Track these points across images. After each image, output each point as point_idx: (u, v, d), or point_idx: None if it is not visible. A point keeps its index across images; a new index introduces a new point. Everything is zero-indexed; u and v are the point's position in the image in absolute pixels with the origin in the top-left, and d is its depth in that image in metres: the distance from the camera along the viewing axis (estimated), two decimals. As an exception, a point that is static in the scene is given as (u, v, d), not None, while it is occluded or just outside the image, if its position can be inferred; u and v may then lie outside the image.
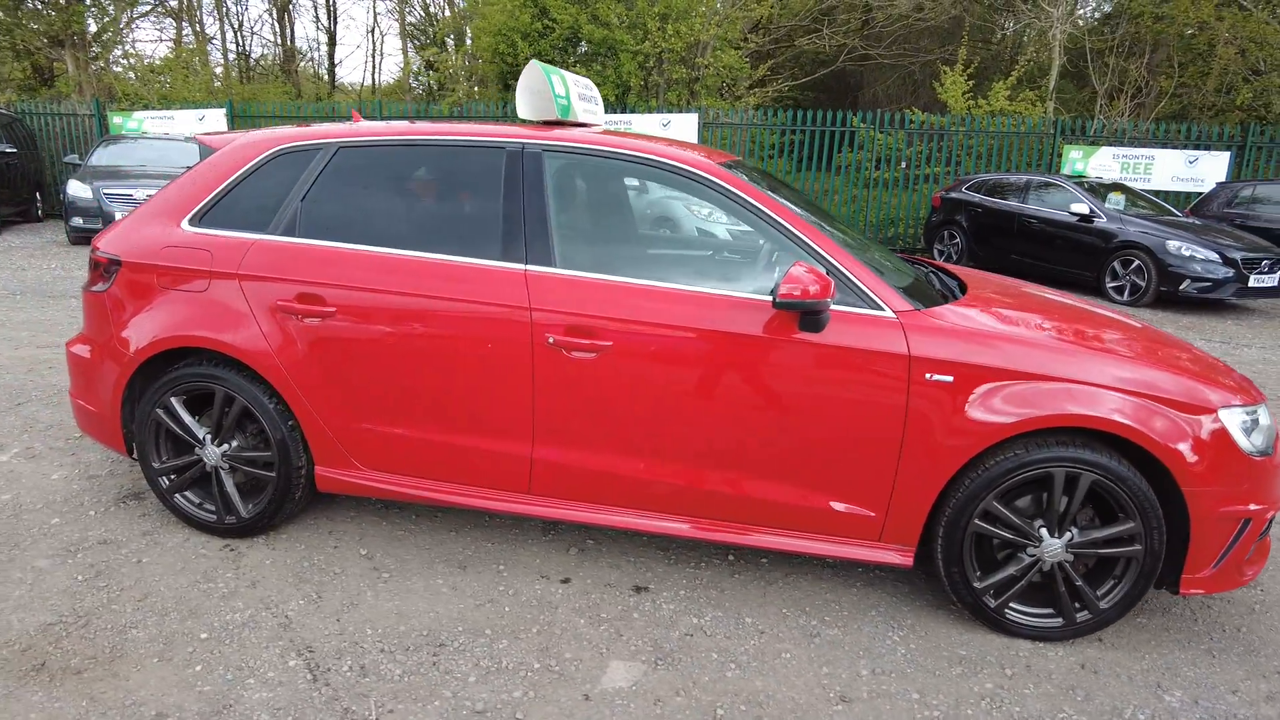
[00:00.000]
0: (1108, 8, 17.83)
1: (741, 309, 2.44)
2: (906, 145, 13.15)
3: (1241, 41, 13.63)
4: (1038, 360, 2.34)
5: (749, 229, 2.59)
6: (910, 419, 2.38)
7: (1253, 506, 2.35)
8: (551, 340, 2.51)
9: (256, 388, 2.75)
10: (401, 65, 25.61)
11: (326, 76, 28.88)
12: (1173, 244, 8.13)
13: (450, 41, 19.40)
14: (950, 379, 2.35)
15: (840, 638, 2.50)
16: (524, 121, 2.92)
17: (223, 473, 2.87)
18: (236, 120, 13.40)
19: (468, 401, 2.62)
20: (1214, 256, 7.92)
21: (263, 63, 27.26)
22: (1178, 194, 11.43)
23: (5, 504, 3.16)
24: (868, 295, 2.42)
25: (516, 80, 12.98)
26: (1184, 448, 2.29)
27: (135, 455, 2.96)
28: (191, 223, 2.83)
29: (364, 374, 2.67)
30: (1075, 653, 2.45)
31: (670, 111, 13.02)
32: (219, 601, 2.56)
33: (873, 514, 2.49)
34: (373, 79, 29.37)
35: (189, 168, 3.20)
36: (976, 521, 2.43)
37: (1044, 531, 2.41)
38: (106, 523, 3.04)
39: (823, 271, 2.31)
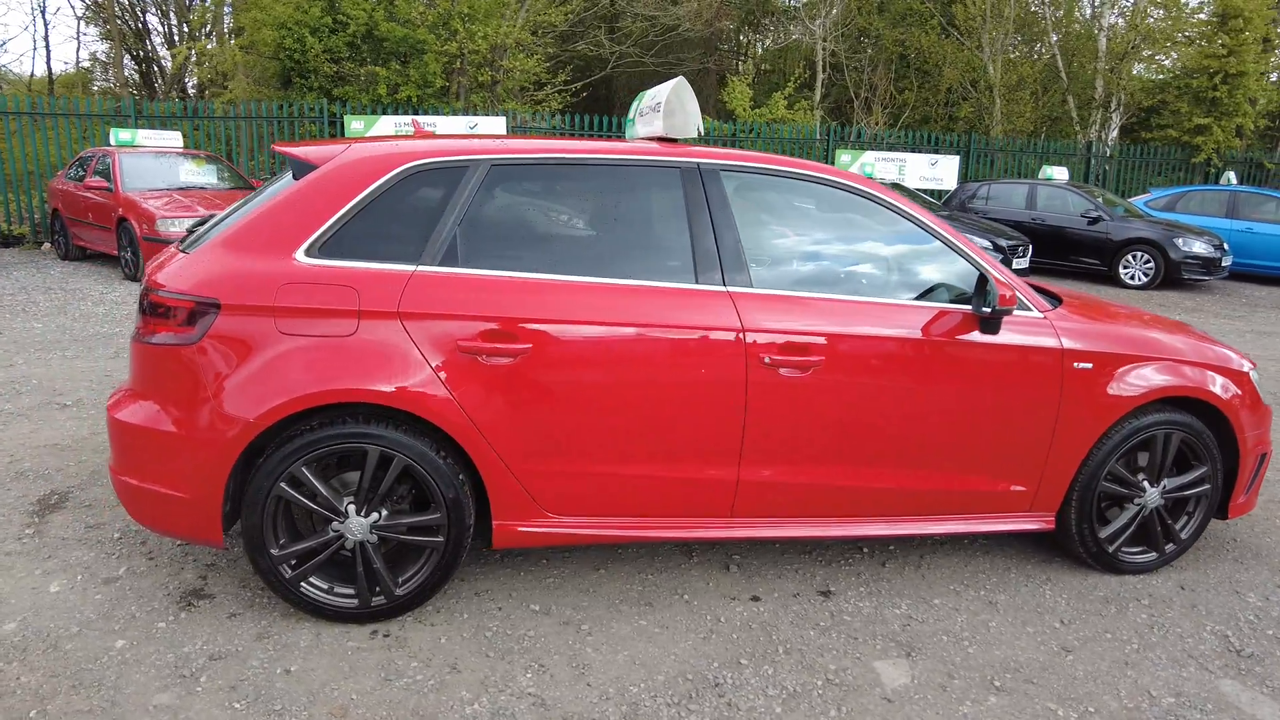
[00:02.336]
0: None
1: (930, 316, 2.65)
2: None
3: (959, 65, 16.67)
4: (1142, 346, 2.88)
5: (903, 243, 2.81)
6: (1063, 402, 2.78)
7: (1268, 444, 3.12)
8: (768, 360, 2.51)
9: (422, 441, 2.37)
10: (107, 54, 21.50)
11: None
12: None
13: (206, 33, 16.76)
14: (1090, 365, 2.79)
15: (1013, 601, 2.84)
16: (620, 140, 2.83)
17: (369, 547, 2.43)
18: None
19: (674, 430, 2.52)
20: (988, 244, 9.70)
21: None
22: (928, 191, 13.72)
23: (28, 639, 2.35)
24: (1021, 300, 2.78)
25: (303, 78, 11.70)
26: (1236, 403, 2.97)
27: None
28: (310, 254, 2.34)
29: (561, 412, 2.44)
30: (1169, 579, 3.05)
31: (475, 114, 12.66)
32: (442, 697, 2.20)
33: (1026, 489, 2.86)
34: (47, 68, 24.19)
35: (264, 186, 2.61)
36: (1104, 483, 2.91)
37: (1146, 484, 2.96)
38: (193, 633, 2.41)
39: (1005, 281, 2.61)
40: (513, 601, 2.68)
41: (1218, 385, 2.95)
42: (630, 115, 3.40)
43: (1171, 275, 10.56)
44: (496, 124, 12.80)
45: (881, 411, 2.64)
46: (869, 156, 13.93)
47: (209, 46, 14.29)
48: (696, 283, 2.53)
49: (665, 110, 2.76)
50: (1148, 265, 10.70)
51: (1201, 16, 17.54)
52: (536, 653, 2.41)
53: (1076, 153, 15.87)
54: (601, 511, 2.57)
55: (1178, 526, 3.05)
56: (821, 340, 2.55)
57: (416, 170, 2.45)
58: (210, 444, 2.28)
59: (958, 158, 13.81)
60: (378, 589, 2.46)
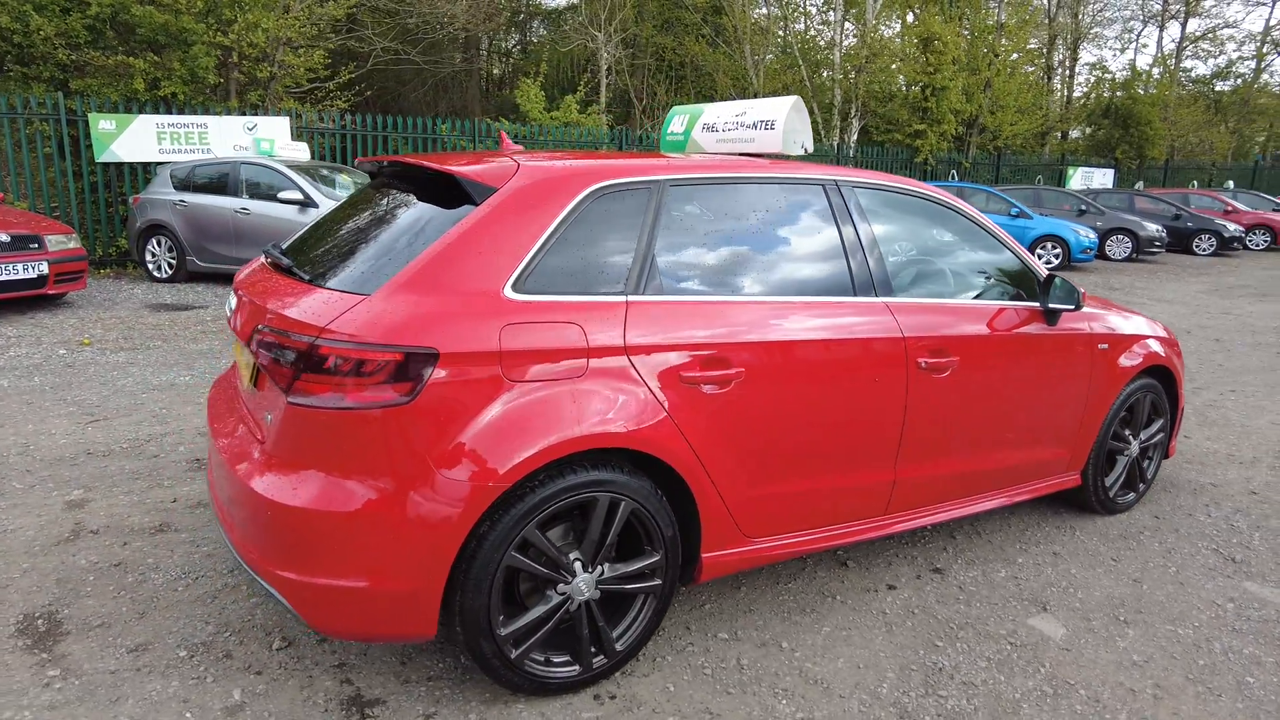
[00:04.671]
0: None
1: (1021, 314, 3.04)
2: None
3: (731, 73, 18.04)
4: (1133, 327, 3.53)
5: (981, 250, 3.16)
6: (1093, 378, 3.33)
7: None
8: (923, 364, 2.71)
9: (645, 482, 2.23)
10: None
11: None
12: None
13: None
14: (1107, 346, 3.37)
15: (1067, 550, 3.34)
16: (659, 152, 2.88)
17: (594, 606, 2.23)
18: None
19: (852, 439, 2.62)
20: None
21: None
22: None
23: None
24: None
25: (24, 65, 9.68)
26: (1179, 365, 3.76)
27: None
28: (519, 290, 2.08)
29: (765, 435, 2.42)
30: (1144, 513, 3.76)
31: (255, 114, 11.22)
32: (730, 741, 2.11)
33: (1067, 453, 3.38)
34: None
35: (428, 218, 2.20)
36: (1111, 441, 3.53)
37: (1130, 438, 3.64)
38: (408, 747, 2.03)
39: (1067, 283, 3.08)
40: (696, 634, 2.60)
41: (1172, 353, 3.71)
42: (677, 129, 3.40)
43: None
44: (279, 125, 11.47)
45: (988, 401, 2.97)
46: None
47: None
48: (855, 295, 2.65)
49: (786, 128, 2.83)
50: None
51: (901, 38, 20.96)
52: (768, 679, 2.39)
53: (827, 153, 18.09)
54: (790, 527, 2.59)
55: (1148, 470, 3.79)
56: (957, 342, 2.81)
57: (599, 193, 2.27)
58: (437, 519, 1.94)
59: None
60: (595, 650, 2.27)
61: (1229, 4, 32.37)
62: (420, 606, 1.99)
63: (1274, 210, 20.22)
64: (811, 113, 20.55)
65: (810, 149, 2.93)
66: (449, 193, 2.23)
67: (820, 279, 2.61)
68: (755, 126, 2.94)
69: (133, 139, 10.48)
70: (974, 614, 2.80)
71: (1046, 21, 25.40)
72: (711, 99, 19.78)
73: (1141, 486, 3.78)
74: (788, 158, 2.93)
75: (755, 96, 18.74)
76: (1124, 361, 3.44)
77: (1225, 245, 17.61)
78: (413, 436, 1.93)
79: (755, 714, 2.23)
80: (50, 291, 7.31)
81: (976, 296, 3.03)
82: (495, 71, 26.25)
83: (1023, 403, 3.10)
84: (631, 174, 2.35)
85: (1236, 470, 4.36)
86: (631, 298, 2.23)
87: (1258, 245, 19.17)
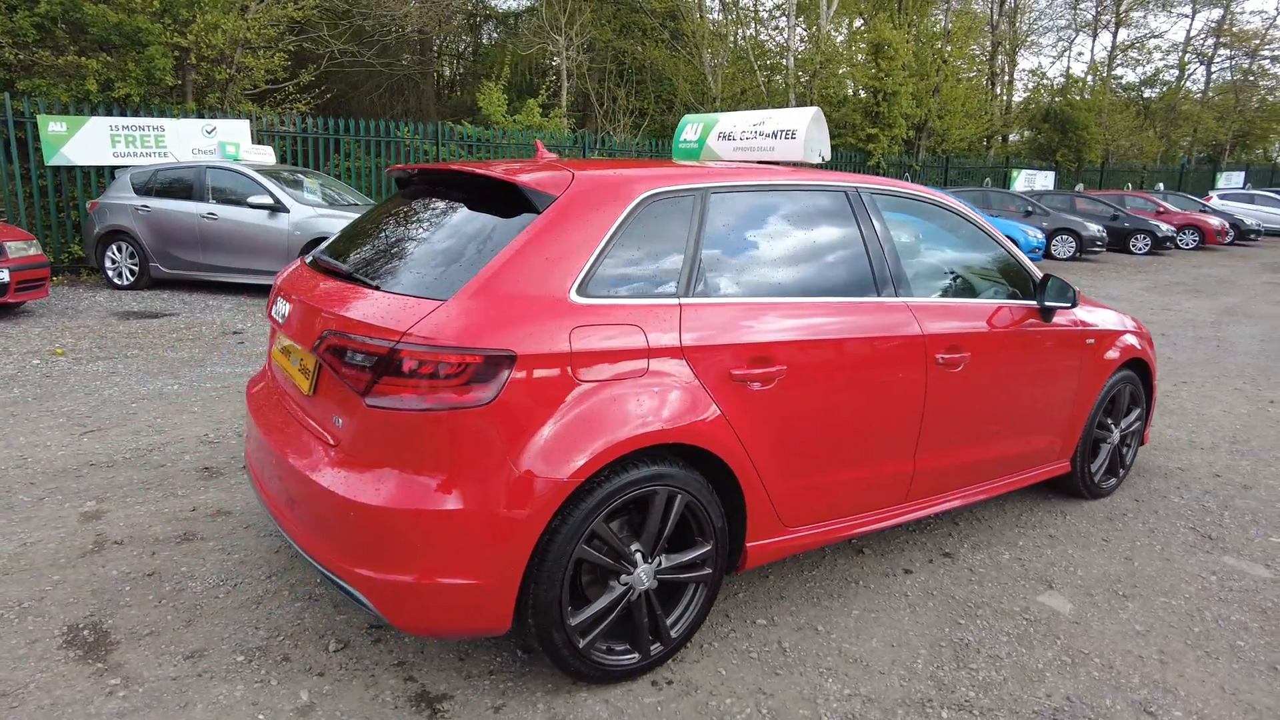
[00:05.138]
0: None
1: (1020, 312, 3.24)
2: (464, 155, 13.86)
3: (690, 79, 18.25)
4: (1113, 323, 3.78)
5: (981, 251, 3.35)
6: (1082, 371, 3.56)
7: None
8: (940, 360, 2.89)
9: (697, 476, 2.34)
10: None
11: None
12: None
13: None
14: (1094, 341, 3.61)
15: (1061, 533, 3.56)
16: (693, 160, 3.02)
17: (652, 595, 2.33)
18: None
19: (878, 431, 2.78)
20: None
21: None
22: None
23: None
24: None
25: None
26: (1152, 356, 4.03)
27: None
28: (582, 293, 2.18)
29: (804, 428, 2.56)
30: (1124, 497, 4.03)
31: (214, 117, 10.97)
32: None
33: (1060, 442, 3.61)
34: None
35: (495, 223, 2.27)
36: (1096, 430, 3.78)
37: (1113, 426, 3.90)
38: (486, 736, 2.10)
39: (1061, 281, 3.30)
40: (735, 621, 2.73)
41: (1146, 345, 3.98)
42: (690, 137, 3.52)
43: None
44: (239, 128, 11.23)
45: (994, 394, 3.17)
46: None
47: None
48: (879, 295, 2.81)
49: (806, 138, 2.98)
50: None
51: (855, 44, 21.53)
52: (811, 660, 2.53)
53: (787, 159, 18.47)
54: (824, 517, 2.73)
55: (1127, 456, 4.06)
56: (968, 338, 2.99)
57: (650, 199, 2.38)
58: (515, 515, 2.02)
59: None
60: (659, 637, 2.37)
61: (1155, 15, 34.05)
62: (498, 601, 2.07)
63: (1201, 211, 21.36)
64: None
65: (828, 157, 3.09)
66: (506, 200, 2.30)
67: (847, 280, 2.76)
68: (775, 135, 3.09)
69: (85, 142, 10.13)
70: (988, 593, 2.99)
71: (989, 30, 26.38)
72: (671, 104, 20.03)
73: (1121, 472, 4.04)
74: (808, 166, 3.08)
75: (714, 101, 19.03)
76: (1108, 355, 3.69)
77: (1159, 244, 18.55)
78: (492, 436, 2.01)
79: (805, 692, 2.36)
80: (10, 300, 7.06)
81: (980, 295, 3.22)
82: (447, 72, 26.04)
83: (1023, 395, 3.30)
84: (678, 181, 2.46)
85: (1199, 455, 4.68)
86: (684, 300, 2.34)
87: (1187, 245, 20.23)
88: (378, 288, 2.20)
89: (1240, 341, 8.41)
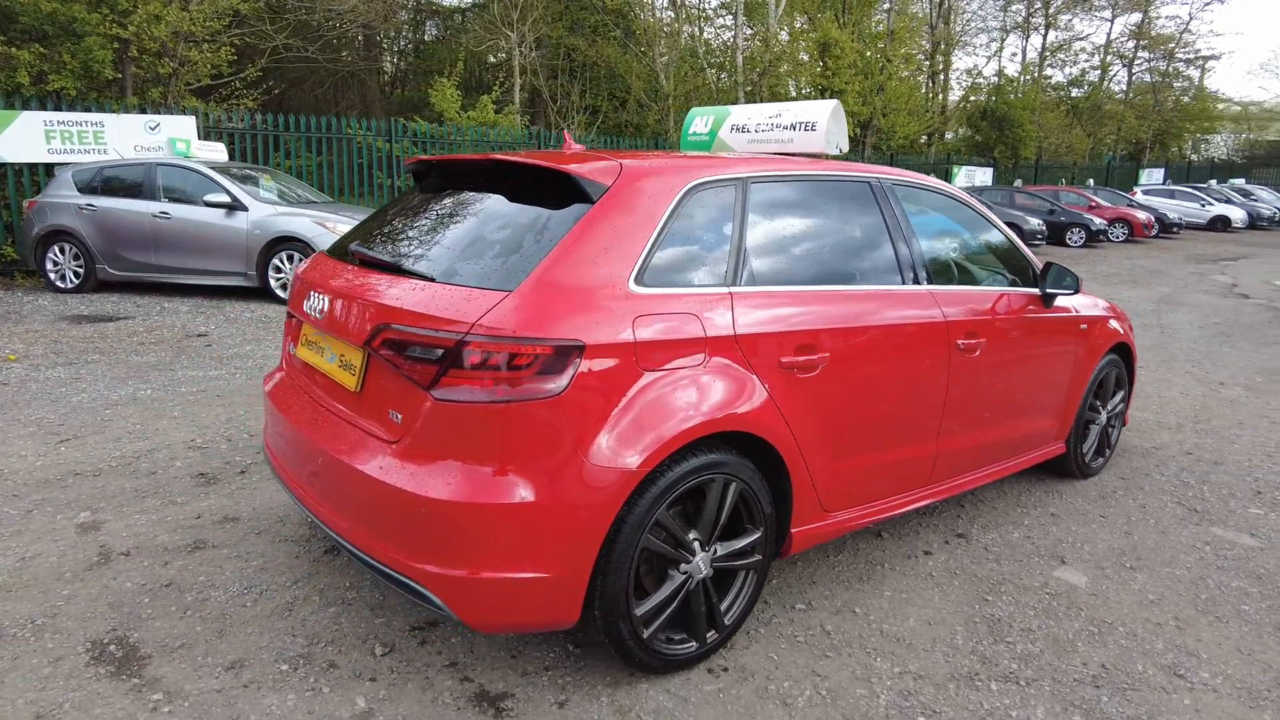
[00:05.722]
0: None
1: (1024, 298, 3.36)
2: (417, 152, 13.60)
3: (642, 77, 18.24)
4: (1101, 310, 3.95)
5: (987, 239, 3.46)
6: (1077, 355, 3.72)
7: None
8: (960, 345, 2.97)
9: (749, 463, 2.36)
10: None
11: None
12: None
13: None
14: (1086, 326, 3.77)
15: (1062, 511, 3.71)
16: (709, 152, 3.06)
17: (708, 584, 2.34)
18: None
19: (908, 414, 2.85)
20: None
21: None
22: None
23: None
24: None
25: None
26: (1133, 340, 4.23)
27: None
28: (639, 283, 2.17)
29: (843, 414, 2.61)
30: (1110, 476, 4.22)
31: (157, 112, 10.51)
32: (849, 700, 2.27)
33: (1057, 424, 3.75)
34: None
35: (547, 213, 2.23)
36: (1088, 411, 3.94)
37: (1101, 408, 4.08)
38: (557, 732, 2.08)
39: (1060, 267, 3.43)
40: (775, 607, 2.76)
41: (1128, 329, 4.17)
42: (700, 129, 3.54)
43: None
44: (184, 124, 10.79)
45: (1004, 378, 3.28)
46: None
47: None
48: (903, 284, 2.87)
49: (828, 130, 3.03)
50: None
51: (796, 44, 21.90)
52: (856, 641, 2.58)
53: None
54: (859, 500, 2.79)
55: (1112, 437, 4.25)
56: (983, 323, 3.09)
57: (699, 188, 2.39)
58: (587, 506, 2.01)
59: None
60: (714, 624, 2.38)
61: (1080, 18, 35.66)
62: (568, 593, 2.05)
63: (1129, 205, 22.44)
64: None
65: (845, 149, 3.15)
66: (554, 190, 2.27)
67: (876, 268, 2.82)
68: (794, 128, 3.13)
69: (17, 137, 9.57)
70: (1007, 571, 3.09)
71: (930, 30, 27.18)
72: (624, 102, 20.02)
73: (1108, 452, 4.23)
74: (826, 157, 3.13)
75: (667, 99, 19.10)
76: (1099, 340, 3.86)
77: (1093, 237, 19.41)
78: (562, 427, 1.99)
79: (858, 673, 2.41)
80: (-50, 305, 6.63)
81: (988, 282, 3.33)
82: (389, 68, 25.48)
83: (1028, 379, 3.43)
84: (720, 170, 2.48)
85: (1168, 435, 4.93)
86: (733, 289, 2.36)
87: (1118, 237, 21.21)
88: (433, 279, 2.15)
89: (1181, 328, 8.87)
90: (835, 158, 3.17)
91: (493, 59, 20.17)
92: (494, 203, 2.41)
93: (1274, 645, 2.65)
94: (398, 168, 13.07)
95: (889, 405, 2.76)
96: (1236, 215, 25.52)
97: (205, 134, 10.97)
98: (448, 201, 2.56)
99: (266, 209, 8.31)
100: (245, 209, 8.23)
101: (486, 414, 1.96)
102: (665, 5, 22.42)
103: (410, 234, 2.49)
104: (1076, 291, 3.47)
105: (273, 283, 8.26)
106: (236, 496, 3.50)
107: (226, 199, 8.23)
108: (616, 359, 2.06)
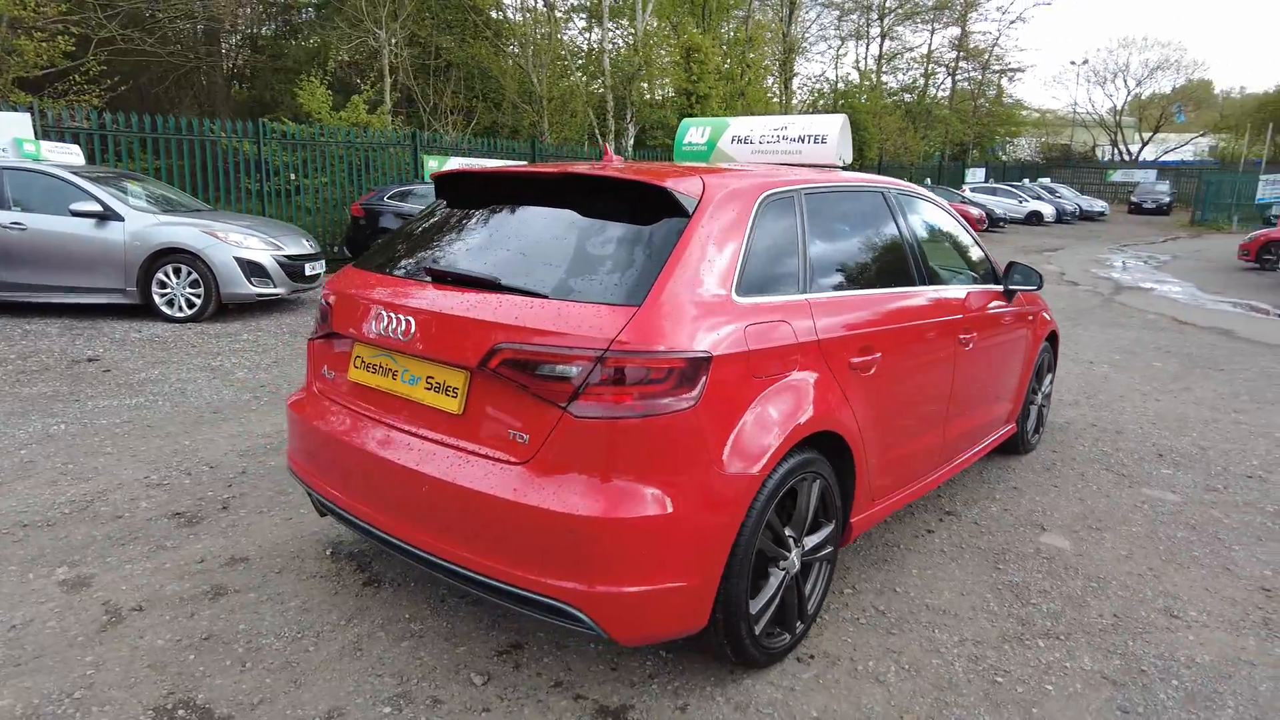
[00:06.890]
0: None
1: (993, 294, 3.74)
2: (287, 155, 12.74)
3: (516, 79, 17.97)
4: (1040, 303, 4.45)
5: (965, 243, 3.81)
6: (1027, 342, 4.17)
7: (1055, 353, 5.08)
8: (962, 340, 3.28)
9: (827, 460, 2.52)
10: None
11: None
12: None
13: None
14: (1033, 317, 4.24)
15: (1024, 484, 4.16)
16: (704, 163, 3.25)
17: (798, 577, 2.47)
18: None
19: (929, 405, 3.12)
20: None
21: None
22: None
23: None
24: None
25: None
26: (1057, 326, 4.79)
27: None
28: (739, 293, 2.26)
29: (889, 409, 2.82)
30: (1044, 452, 4.75)
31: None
32: (931, 673, 2.48)
33: (1012, 407, 4.20)
34: None
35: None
36: (1033, 395, 4.43)
37: (1038, 390, 4.59)
38: (693, 735, 2.13)
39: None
40: (827, 595, 2.93)
41: (1053, 318, 4.72)
42: (697, 140, 3.66)
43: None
44: (17, 121, 9.51)
45: (985, 368, 3.64)
46: (454, 161, 14.36)
47: None
48: (917, 285, 3.13)
49: (839, 142, 3.23)
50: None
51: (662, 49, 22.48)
52: (909, 617, 2.80)
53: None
54: (891, 490, 3.01)
55: (1045, 415, 4.79)
56: (976, 318, 3.42)
57: (770, 200, 2.51)
58: (721, 514, 2.09)
59: (525, 161, 15.27)
60: (802, 615, 2.52)
61: (909, 30, 39.02)
62: (701, 600, 2.11)
63: (962, 202, 24.80)
64: (585, 117, 21.35)
65: (849, 160, 3.37)
66: (647, 205, 2.29)
67: (898, 272, 3.06)
68: (803, 140, 3.31)
69: None
70: (1001, 541, 3.44)
71: (783, 37, 28.69)
72: (499, 103, 19.67)
73: (1042, 429, 4.76)
74: (834, 168, 3.33)
75: (542, 101, 18.98)
76: (1040, 329, 4.35)
77: (938, 233, 21.31)
78: (696, 437, 2.04)
79: (925, 645, 2.63)
80: None
81: (968, 281, 3.68)
82: (226, 65, 23.60)
83: (999, 367, 3.82)
84: (783, 184, 2.60)
85: (1072, 411, 5.60)
86: (809, 296, 2.49)
87: (956, 232, 23.40)
88: (544, 296, 2.12)
89: (1040, 313, 9.99)
90: (841, 168, 3.39)
91: (347, 57, 19.16)
92: (572, 217, 2.39)
93: (1229, 583, 3.14)
94: (267, 171, 12.19)
95: (919, 398, 3.02)
96: (1047, 211, 28.87)
97: (44, 134, 9.73)
98: (515, 215, 2.51)
99: (146, 218, 7.53)
100: (121, 219, 7.41)
101: (625, 429, 1.98)
102: (518, 6, 22.30)
103: (489, 250, 2.43)
104: (1040, 287, 3.90)
105: (157, 299, 7.50)
106: (231, 535, 3.23)
107: (97, 207, 7.37)
108: (737, 368, 2.14)
